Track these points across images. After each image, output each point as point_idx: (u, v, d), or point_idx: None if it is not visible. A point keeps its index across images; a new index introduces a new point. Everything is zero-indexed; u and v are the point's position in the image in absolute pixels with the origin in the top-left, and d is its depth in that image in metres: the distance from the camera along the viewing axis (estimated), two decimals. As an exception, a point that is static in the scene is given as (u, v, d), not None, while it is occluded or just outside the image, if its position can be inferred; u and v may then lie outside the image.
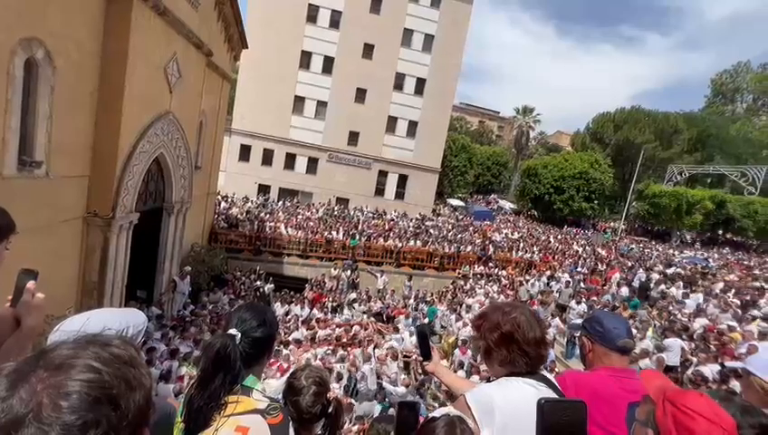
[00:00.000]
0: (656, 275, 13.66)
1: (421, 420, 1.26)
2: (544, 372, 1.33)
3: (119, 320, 1.18)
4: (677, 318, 9.85)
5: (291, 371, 1.92)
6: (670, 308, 10.69)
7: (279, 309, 12.27)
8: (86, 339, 0.65)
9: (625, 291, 12.55)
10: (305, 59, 25.40)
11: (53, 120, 6.30)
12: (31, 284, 1.24)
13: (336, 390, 6.88)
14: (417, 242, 19.26)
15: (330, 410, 1.63)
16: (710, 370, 7.00)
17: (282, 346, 9.06)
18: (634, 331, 7.58)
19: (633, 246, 25.00)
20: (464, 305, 13.09)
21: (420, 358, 1.74)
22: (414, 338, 9.45)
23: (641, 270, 13.97)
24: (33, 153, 6.13)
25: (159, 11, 8.10)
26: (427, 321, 12.83)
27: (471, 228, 24.30)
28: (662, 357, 7.93)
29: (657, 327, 9.52)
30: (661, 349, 8.13)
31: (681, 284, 12.23)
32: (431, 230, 21.99)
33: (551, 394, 1.26)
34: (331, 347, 9.70)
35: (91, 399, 0.56)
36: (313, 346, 9.43)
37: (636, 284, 12.64)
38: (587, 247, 22.22)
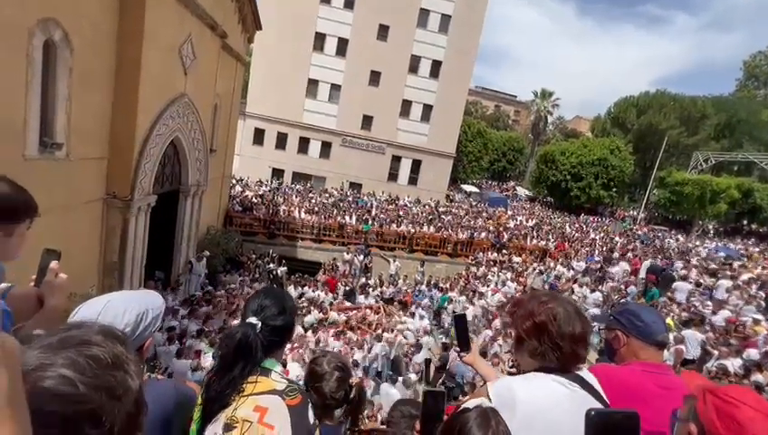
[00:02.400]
0: (693, 268, 13.19)
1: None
2: (580, 372, 1.24)
3: (138, 303, 1.17)
4: (698, 310, 9.59)
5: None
6: (692, 299, 10.41)
7: (293, 292, 12.45)
8: (59, 339, 0.55)
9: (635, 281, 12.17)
10: (319, 41, 24.99)
11: (72, 103, 6.35)
12: (54, 264, 1.23)
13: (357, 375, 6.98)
14: (431, 228, 19.16)
15: (352, 395, 1.62)
16: (732, 363, 6.82)
17: (302, 329, 9.20)
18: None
19: (647, 234, 24.32)
20: (476, 293, 13.02)
21: (458, 348, 1.67)
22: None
23: (679, 262, 13.54)
24: (53, 135, 6.22)
25: (173, -10, 8.02)
26: (436, 307, 12.84)
27: (485, 214, 24.01)
28: (680, 348, 7.75)
29: (676, 319, 9.31)
30: (680, 340, 7.95)
31: (706, 275, 11.86)
32: (444, 217, 21.82)
33: (583, 395, 1.18)
34: (338, 329, 9.84)
35: (62, 418, 0.48)
36: (323, 332, 9.53)
37: (671, 273, 12.27)
38: (606, 237, 21.71)
